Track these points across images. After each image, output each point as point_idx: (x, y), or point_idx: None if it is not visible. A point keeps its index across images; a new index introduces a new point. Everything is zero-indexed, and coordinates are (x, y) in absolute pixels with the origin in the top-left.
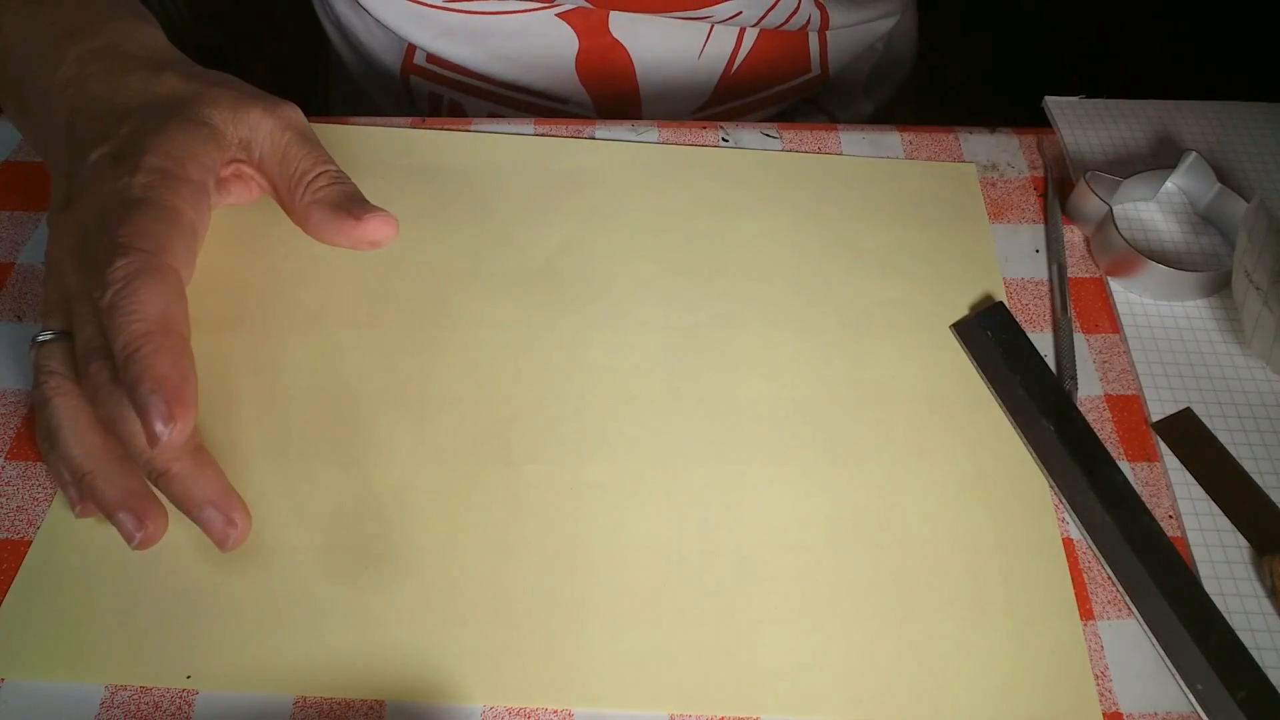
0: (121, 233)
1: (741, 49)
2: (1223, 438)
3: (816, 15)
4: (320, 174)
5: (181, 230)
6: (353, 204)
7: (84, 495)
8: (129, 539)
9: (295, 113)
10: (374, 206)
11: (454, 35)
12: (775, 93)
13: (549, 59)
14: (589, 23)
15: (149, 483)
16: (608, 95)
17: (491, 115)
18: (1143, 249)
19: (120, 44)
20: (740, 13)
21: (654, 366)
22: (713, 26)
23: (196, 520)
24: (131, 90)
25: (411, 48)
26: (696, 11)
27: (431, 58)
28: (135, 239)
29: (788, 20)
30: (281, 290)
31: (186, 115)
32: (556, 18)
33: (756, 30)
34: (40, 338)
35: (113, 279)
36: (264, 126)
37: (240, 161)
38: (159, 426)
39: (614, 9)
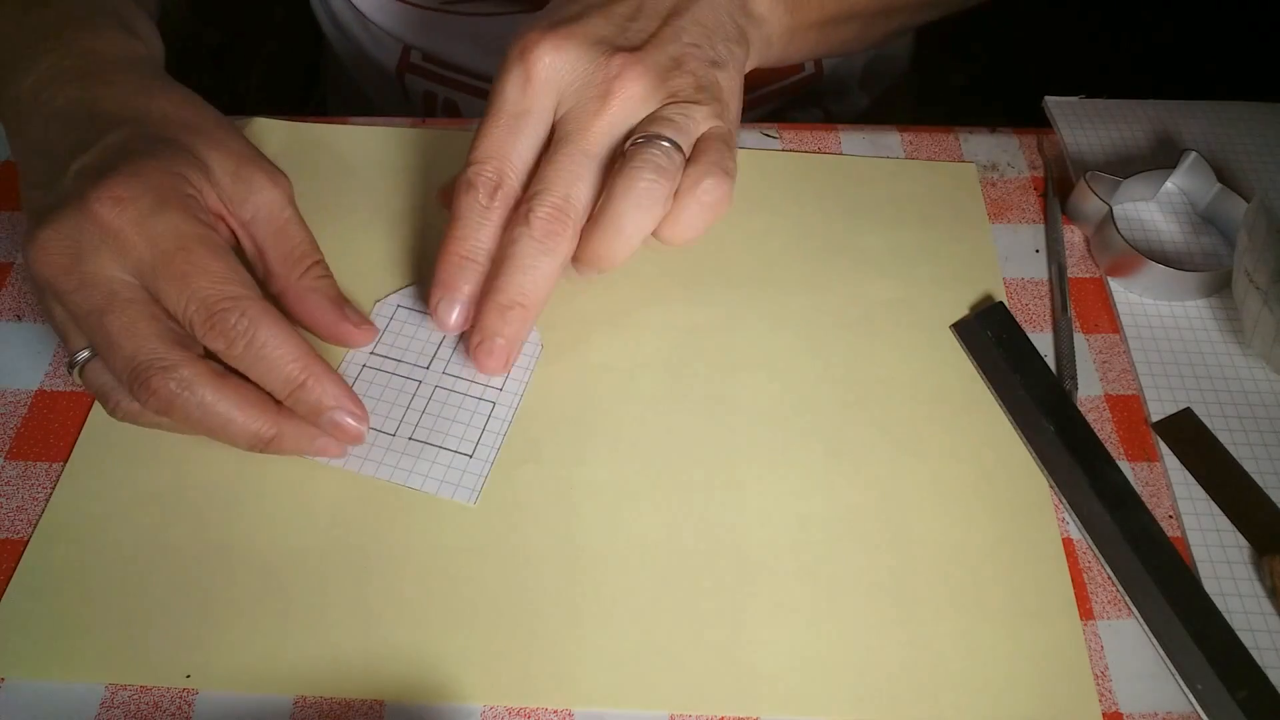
0: (200, 285)
1: None
2: (1223, 438)
3: None
4: (317, 262)
5: (229, 251)
6: (347, 306)
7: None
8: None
9: (290, 188)
10: (363, 316)
11: (452, 36)
12: (773, 90)
13: None
14: None
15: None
16: None
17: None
18: (1143, 249)
19: (100, 51)
20: None
21: (654, 366)
22: None
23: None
24: (112, 100)
25: (408, 46)
26: None
27: (428, 56)
28: (218, 286)
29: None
30: None
31: (182, 145)
32: None
33: None
34: (79, 357)
35: (234, 334)
36: (266, 193)
37: (220, 215)
38: (353, 426)
39: None
